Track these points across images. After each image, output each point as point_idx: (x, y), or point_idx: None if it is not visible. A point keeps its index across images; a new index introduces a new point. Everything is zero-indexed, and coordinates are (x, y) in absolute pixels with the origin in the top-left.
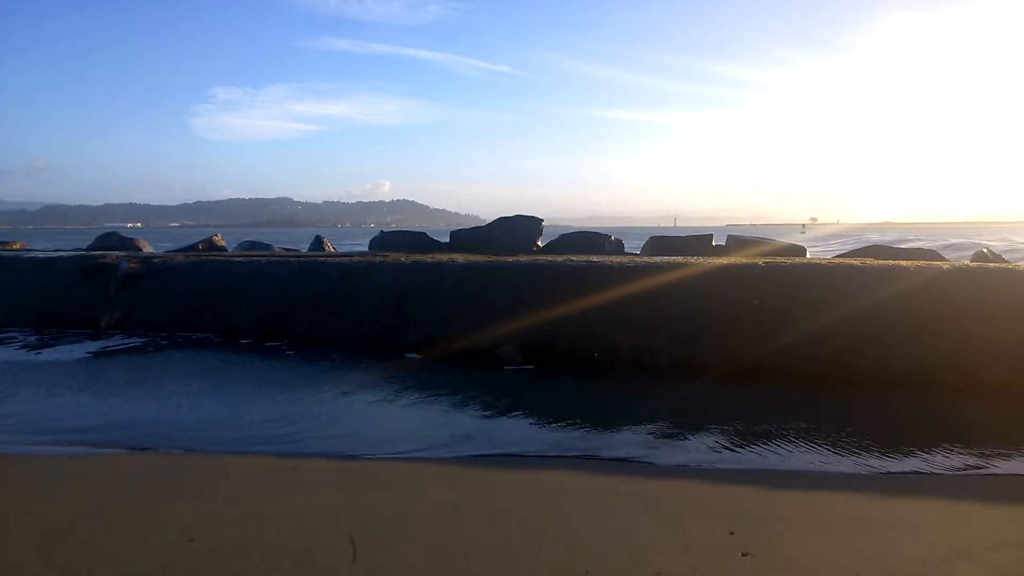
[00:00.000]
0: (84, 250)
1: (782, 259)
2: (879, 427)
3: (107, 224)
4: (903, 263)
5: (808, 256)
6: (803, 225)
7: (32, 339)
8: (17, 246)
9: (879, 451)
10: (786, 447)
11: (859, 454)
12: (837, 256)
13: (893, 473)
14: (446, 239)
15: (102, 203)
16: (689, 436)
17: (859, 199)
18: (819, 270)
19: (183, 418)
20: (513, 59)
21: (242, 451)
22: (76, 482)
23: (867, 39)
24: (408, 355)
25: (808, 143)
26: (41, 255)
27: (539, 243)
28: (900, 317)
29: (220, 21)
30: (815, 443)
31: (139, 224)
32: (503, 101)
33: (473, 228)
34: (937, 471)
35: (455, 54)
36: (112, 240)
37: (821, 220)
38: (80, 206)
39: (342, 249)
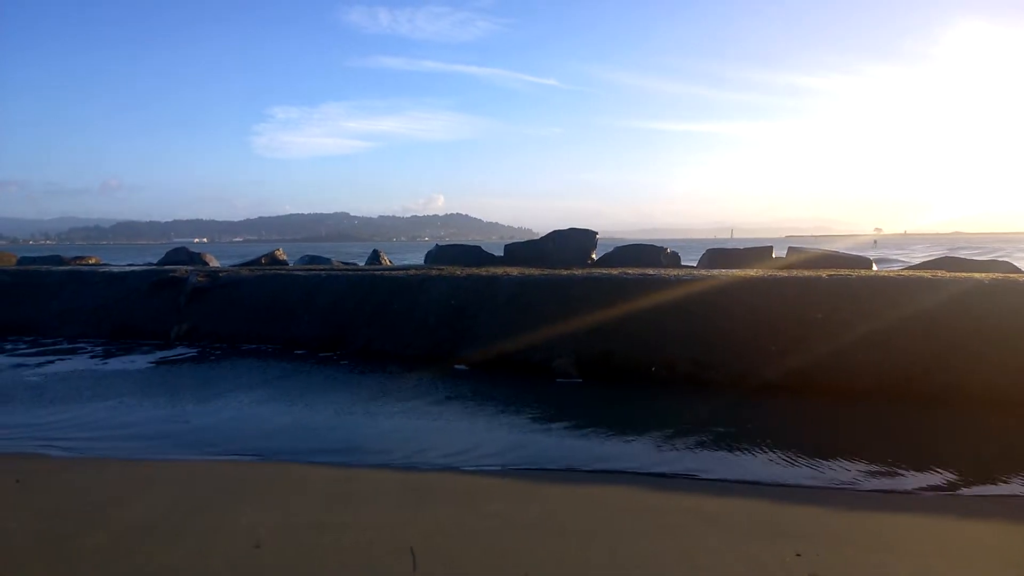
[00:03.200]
0: (155, 264)
1: (846, 271)
2: (955, 447)
3: (175, 239)
4: (976, 275)
5: (875, 269)
6: (875, 240)
7: (99, 349)
8: (93, 260)
9: (955, 472)
10: (854, 466)
11: (933, 474)
12: (906, 268)
13: (972, 495)
14: (500, 253)
15: (171, 219)
16: (751, 453)
17: (925, 209)
18: (886, 283)
19: (241, 426)
20: (562, 73)
21: (303, 460)
22: (148, 488)
23: (935, 47)
24: (463, 368)
25: (871, 152)
26: (115, 270)
27: (593, 256)
28: (973, 333)
29: (278, 43)
30: (885, 462)
31: (205, 239)
32: (553, 114)
33: (527, 241)
34: (1020, 494)
35: (504, 69)
36: (181, 255)
37: (886, 231)
38: (150, 222)
39: (398, 263)
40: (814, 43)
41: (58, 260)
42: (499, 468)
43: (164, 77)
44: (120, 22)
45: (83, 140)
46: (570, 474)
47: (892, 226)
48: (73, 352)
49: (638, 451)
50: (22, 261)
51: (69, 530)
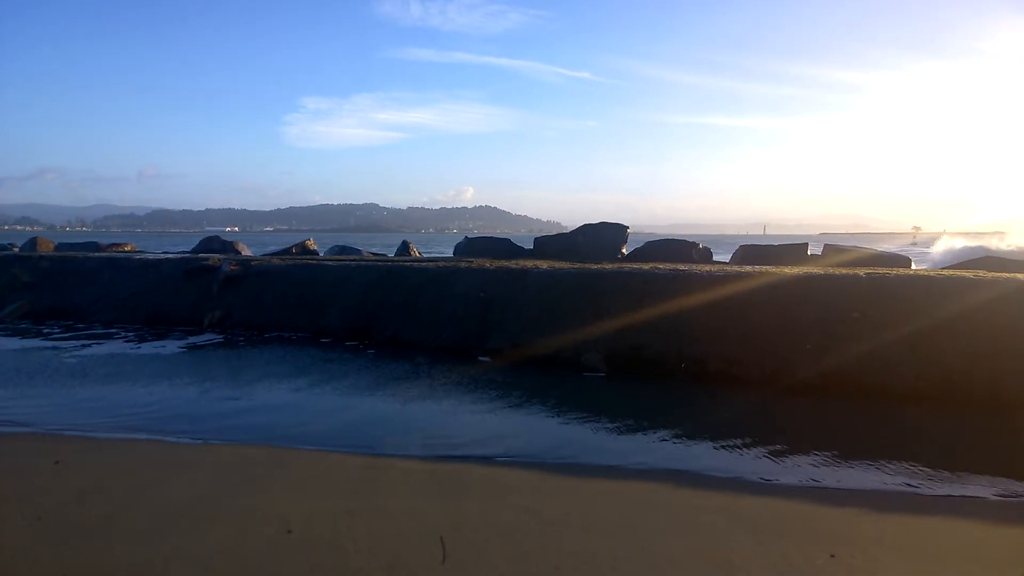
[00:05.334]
0: (189, 252)
1: (885, 270)
2: (991, 451)
3: (208, 228)
4: (1020, 276)
5: (913, 267)
6: (915, 238)
7: (133, 334)
8: (128, 248)
9: (992, 476)
10: (891, 469)
11: (974, 480)
12: (946, 268)
13: (1009, 501)
14: (529, 245)
15: (203, 208)
16: (785, 453)
17: (966, 207)
18: (926, 282)
19: (269, 412)
20: (594, 65)
21: (333, 448)
22: (183, 471)
23: (984, 42)
24: (488, 360)
25: (910, 149)
26: (150, 257)
27: (624, 250)
28: (1015, 335)
29: (310, 34)
30: (924, 466)
31: (237, 228)
32: (585, 107)
33: (557, 235)
34: None
35: (536, 61)
36: (214, 243)
37: (925, 229)
38: (184, 211)
39: (427, 254)
40: (852, 37)
41: (94, 247)
42: (529, 461)
43: (199, 67)
44: (156, 14)
45: (120, 129)
46: (600, 469)
47: (931, 225)
48: (108, 337)
49: (669, 448)
50: (59, 247)
51: (107, 511)
